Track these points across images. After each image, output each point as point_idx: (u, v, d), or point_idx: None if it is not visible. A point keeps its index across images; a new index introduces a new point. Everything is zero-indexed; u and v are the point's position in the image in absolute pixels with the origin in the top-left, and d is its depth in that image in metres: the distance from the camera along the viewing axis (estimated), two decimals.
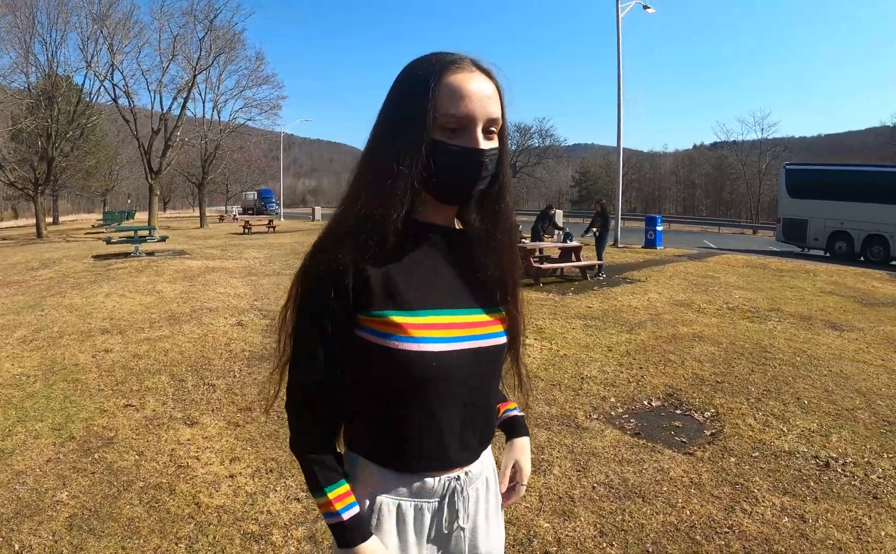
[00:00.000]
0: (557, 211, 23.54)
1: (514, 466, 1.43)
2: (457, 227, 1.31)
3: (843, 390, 5.67)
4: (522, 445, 1.46)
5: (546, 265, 13.01)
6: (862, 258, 20.17)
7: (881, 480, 3.94)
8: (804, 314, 9.42)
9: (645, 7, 22.58)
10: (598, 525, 3.36)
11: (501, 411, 1.47)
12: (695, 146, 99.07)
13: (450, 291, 1.23)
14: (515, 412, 1.49)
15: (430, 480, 1.22)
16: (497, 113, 1.17)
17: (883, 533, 3.32)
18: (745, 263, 16.11)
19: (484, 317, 1.25)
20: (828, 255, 21.00)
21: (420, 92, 1.13)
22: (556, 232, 15.29)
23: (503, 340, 1.29)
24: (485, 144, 1.15)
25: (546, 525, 3.35)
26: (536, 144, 75.39)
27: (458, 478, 1.25)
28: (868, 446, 4.46)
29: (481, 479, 1.32)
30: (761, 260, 17.22)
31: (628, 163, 71.16)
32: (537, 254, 13.78)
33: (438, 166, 1.14)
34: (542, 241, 14.73)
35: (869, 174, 21.72)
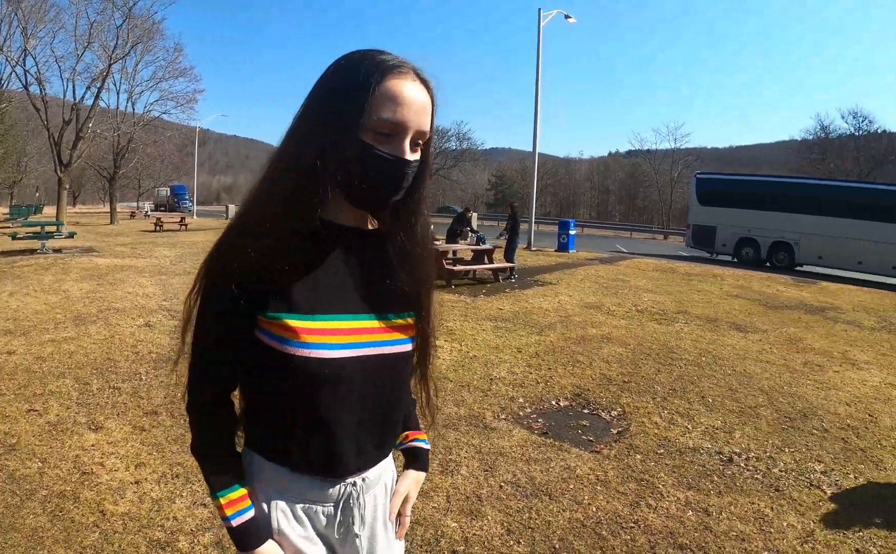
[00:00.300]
0: (473, 214, 23.78)
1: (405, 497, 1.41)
2: (370, 227, 1.28)
3: (746, 389, 5.96)
4: (418, 478, 1.45)
5: (458, 267, 13.10)
6: (768, 264, 21.55)
7: (783, 474, 4.14)
8: (710, 316, 9.88)
9: (566, 16, 23.20)
10: (505, 523, 3.36)
11: (410, 438, 1.46)
12: (610, 154, 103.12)
13: (353, 295, 1.20)
14: (421, 444, 1.48)
15: (324, 485, 1.20)
16: (427, 126, 1.15)
17: (785, 523, 3.49)
18: (654, 268, 16.80)
19: (387, 323, 1.23)
20: (735, 260, 22.31)
21: (358, 89, 1.08)
22: (470, 234, 15.41)
23: (407, 347, 1.26)
24: (410, 156, 1.13)
25: (454, 525, 3.33)
26: (454, 147, 76.10)
27: (355, 484, 1.23)
28: (770, 442, 4.68)
29: (380, 485, 1.30)
30: (671, 264, 18.02)
31: (544, 168, 73.24)
32: (450, 255, 13.84)
33: (363, 170, 1.11)
34: (457, 243, 14.81)
35: (776, 184, 23.29)
